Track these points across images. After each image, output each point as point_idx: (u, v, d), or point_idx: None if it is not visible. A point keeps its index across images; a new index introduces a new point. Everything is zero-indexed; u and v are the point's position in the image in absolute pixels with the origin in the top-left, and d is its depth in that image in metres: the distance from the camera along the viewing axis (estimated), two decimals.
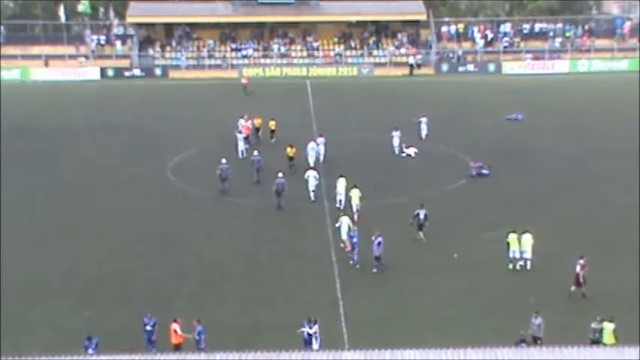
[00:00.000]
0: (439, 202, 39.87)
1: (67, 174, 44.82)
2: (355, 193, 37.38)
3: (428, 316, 28.26)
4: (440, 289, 30.31)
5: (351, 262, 31.69)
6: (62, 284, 30.85)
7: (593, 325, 25.23)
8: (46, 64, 74.52)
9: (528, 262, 31.97)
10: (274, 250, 34.27)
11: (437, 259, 33.03)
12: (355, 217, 36.47)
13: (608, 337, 25.10)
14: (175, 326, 25.34)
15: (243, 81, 67.20)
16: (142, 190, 42.10)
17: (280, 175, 38.83)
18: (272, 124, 49.95)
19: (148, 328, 25.61)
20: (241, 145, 46.75)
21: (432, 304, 29.11)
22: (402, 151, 47.62)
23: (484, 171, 43.82)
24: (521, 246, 31.80)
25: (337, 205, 38.20)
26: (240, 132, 47.62)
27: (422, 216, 34.79)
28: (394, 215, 37.62)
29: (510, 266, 31.92)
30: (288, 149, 43.91)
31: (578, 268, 29.35)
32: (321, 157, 45.25)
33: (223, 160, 41.18)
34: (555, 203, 39.71)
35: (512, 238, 31.89)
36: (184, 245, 34.76)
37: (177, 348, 24.81)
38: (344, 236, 33.29)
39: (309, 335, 25.12)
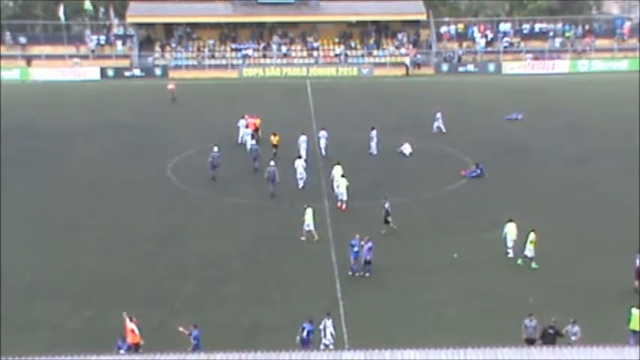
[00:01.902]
0: (439, 202, 39.95)
1: (67, 174, 44.81)
2: (342, 182, 38.68)
3: (428, 316, 28.26)
4: (440, 289, 30.29)
5: (350, 272, 31.34)
6: (62, 284, 30.84)
7: (569, 326, 24.98)
8: (29, 64, 74.35)
9: (511, 251, 32.74)
10: (274, 249, 34.27)
11: (437, 259, 33.02)
12: (342, 206, 38.22)
13: (635, 323, 25.27)
14: (132, 325, 24.82)
15: (170, 86, 63.11)
16: (142, 190, 42.10)
17: (272, 163, 40.85)
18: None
19: (122, 352, 24.15)
20: (249, 141, 48.03)
21: (432, 304, 29.10)
22: (401, 152, 47.72)
23: (478, 170, 43.77)
24: (507, 234, 32.87)
25: (334, 192, 39.42)
26: (247, 127, 48.97)
27: (387, 209, 35.28)
28: (394, 215, 37.67)
29: (512, 256, 32.72)
30: (272, 137, 46.34)
31: (637, 263, 29.54)
32: (323, 151, 47.01)
33: (215, 148, 43.24)
34: (555, 203, 39.71)
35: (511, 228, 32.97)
36: (184, 245, 34.77)
37: (136, 348, 24.33)
38: (307, 227, 34.54)
39: (308, 335, 25.07)
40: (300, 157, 42.96)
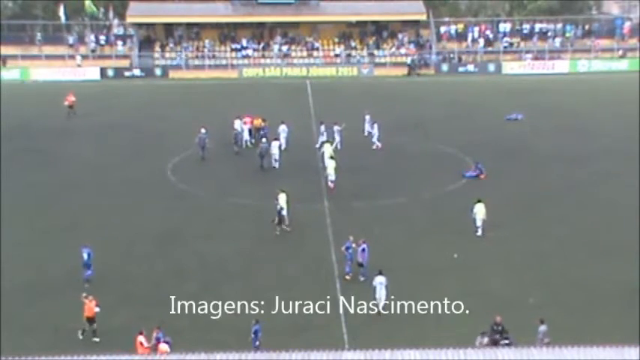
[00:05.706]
0: (439, 202, 39.93)
1: (67, 174, 44.81)
2: (330, 164, 40.67)
3: (428, 316, 28.22)
4: (440, 289, 30.26)
5: (347, 277, 31.16)
6: (63, 284, 30.81)
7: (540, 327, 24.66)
8: (4, 64, 74.19)
9: (479, 230, 34.87)
10: (274, 250, 34.26)
11: (437, 259, 33.01)
12: (331, 186, 40.37)
13: None
14: (141, 339, 24.37)
15: (71, 99, 58.33)
16: (142, 190, 42.09)
17: (264, 140, 45.59)
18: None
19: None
20: (246, 135, 49.63)
21: (432, 304, 29.05)
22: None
23: (479, 166, 43.76)
24: (476, 214, 34.78)
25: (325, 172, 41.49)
26: (245, 123, 50.06)
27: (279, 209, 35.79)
28: (394, 216, 37.69)
29: (480, 234, 34.93)
30: (260, 120, 49.78)
31: None
32: (339, 145, 47.77)
33: (202, 130, 46.69)
34: (555, 203, 39.69)
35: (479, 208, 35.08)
36: (184, 245, 34.75)
37: None
38: (282, 211, 35.65)
39: (257, 335, 24.91)
40: (276, 139, 46.03)
